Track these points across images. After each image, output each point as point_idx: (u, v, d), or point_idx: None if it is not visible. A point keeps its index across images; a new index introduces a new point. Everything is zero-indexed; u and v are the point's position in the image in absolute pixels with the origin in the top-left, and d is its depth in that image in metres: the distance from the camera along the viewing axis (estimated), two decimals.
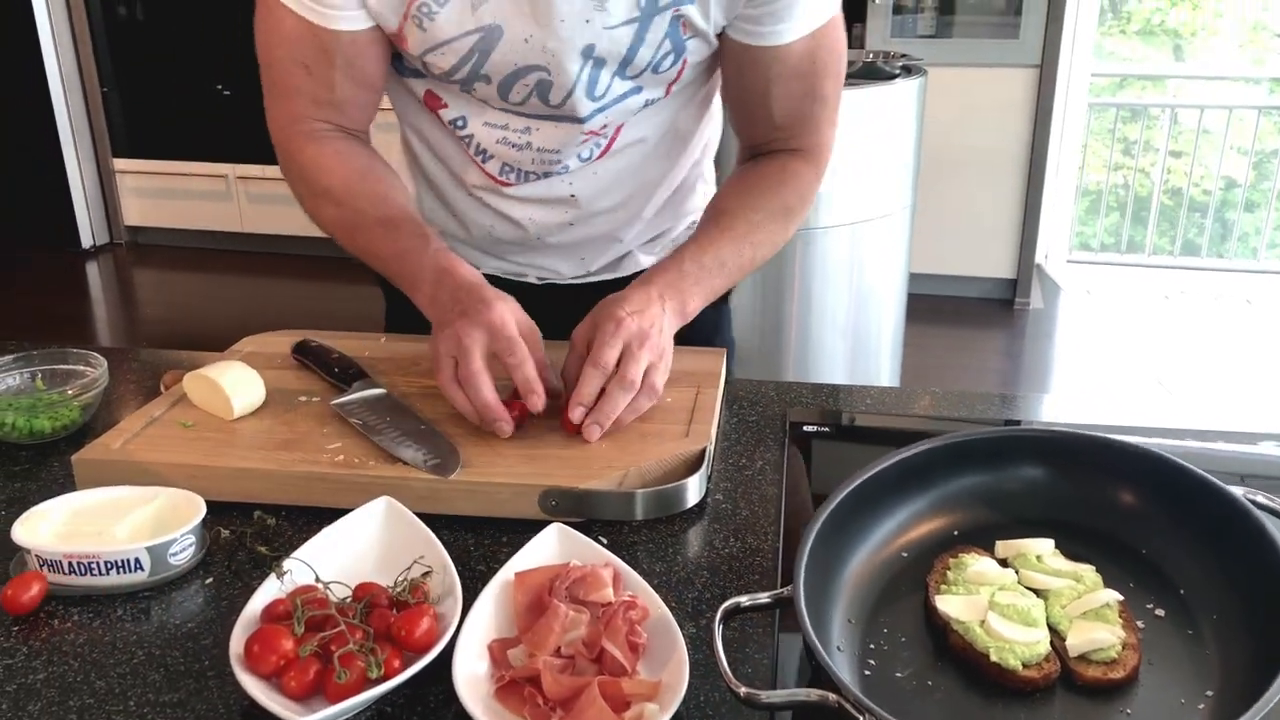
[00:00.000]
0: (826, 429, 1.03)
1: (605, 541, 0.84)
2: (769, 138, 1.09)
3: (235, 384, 0.98)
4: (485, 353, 0.90)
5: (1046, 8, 3.99)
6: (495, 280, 1.21)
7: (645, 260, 1.24)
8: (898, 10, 4.22)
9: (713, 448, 0.94)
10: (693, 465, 0.91)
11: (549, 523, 0.80)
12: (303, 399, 1.01)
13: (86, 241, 5.30)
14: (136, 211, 5.32)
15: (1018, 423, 1.09)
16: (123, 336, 4.45)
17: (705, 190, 1.26)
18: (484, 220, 1.16)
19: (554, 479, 0.87)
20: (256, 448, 0.92)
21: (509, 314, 0.91)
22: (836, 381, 2.80)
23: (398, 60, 1.06)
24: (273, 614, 0.70)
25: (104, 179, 5.31)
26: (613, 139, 1.08)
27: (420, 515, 0.81)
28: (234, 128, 4.88)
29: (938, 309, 4.31)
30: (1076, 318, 4.44)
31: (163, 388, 1.09)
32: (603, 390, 0.91)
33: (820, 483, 0.96)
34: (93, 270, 5.16)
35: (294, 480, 0.88)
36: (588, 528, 0.85)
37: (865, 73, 2.88)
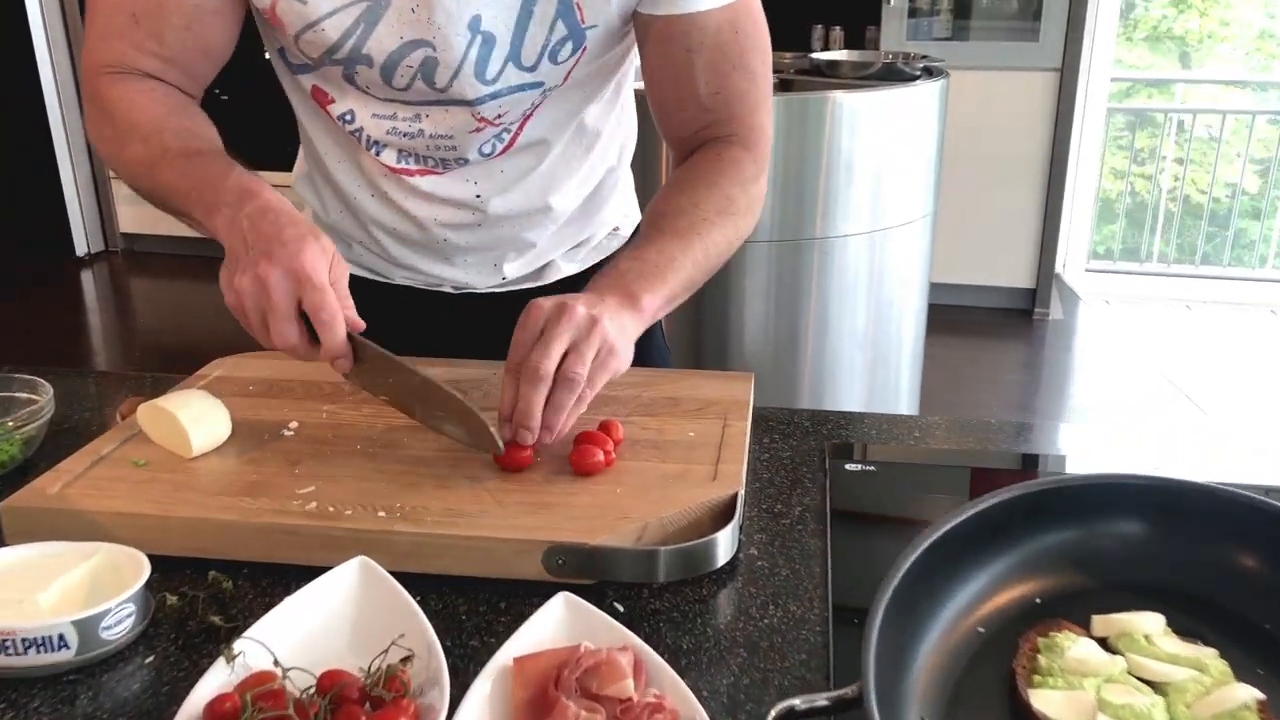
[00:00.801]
0: (872, 467, 0.91)
1: (622, 610, 0.71)
2: (700, 124, 1.00)
3: (194, 418, 0.85)
4: (295, 308, 0.79)
5: (1067, 10, 3.88)
6: (410, 291, 1.14)
7: (567, 268, 1.17)
8: (913, 13, 4.10)
9: (743, 493, 0.81)
10: (722, 515, 0.78)
11: (554, 585, 0.68)
12: (274, 431, 0.89)
13: (81, 249, 5.21)
14: (132, 219, 5.22)
15: (1044, 456, 0.96)
16: (117, 345, 4.34)
17: (624, 197, 1.21)
18: (388, 221, 1.09)
19: (560, 533, 0.74)
20: (215, 493, 0.80)
21: (320, 258, 0.79)
22: (855, 394, 2.66)
23: (287, 54, 1.00)
24: (217, 713, 0.57)
25: (99, 186, 5.22)
26: (516, 134, 1.02)
27: (403, 576, 0.68)
28: (232, 134, 4.62)
29: (955, 319, 4.18)
30: (1097, 328, 4.30)
31: (119, 417, 0.96)
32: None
33: (870, 535, 0.84)
34: (88, 278, 5.06)
35: (256, 533, 0.76)
36: (601, 591, 0.72)
37: (885, 74, 2.75)
